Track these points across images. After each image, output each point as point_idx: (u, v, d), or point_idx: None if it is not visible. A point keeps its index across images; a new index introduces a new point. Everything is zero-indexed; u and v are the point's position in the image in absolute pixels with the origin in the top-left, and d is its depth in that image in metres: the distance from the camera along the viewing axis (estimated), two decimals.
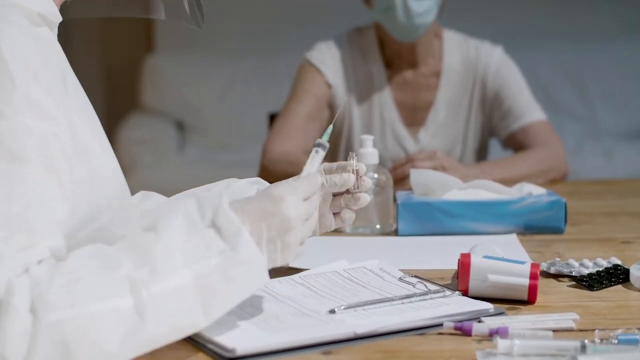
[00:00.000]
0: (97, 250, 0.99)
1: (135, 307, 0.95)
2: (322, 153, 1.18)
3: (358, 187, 1.24)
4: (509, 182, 1.75)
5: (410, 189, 1.69)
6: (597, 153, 3.91)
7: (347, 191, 1.25)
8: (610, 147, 3.97)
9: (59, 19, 1.15)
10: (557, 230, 1.61)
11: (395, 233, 1.63)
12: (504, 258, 1.24)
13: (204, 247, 1.00)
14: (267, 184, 1.30)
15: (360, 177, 1.24)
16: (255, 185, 1.33)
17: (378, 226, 1.64)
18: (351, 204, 1.26)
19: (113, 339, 0.93)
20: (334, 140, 2.30)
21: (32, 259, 0.94)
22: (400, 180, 1.85)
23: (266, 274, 1.04)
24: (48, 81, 1.02)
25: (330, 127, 1.21)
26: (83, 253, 0.97)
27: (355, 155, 1.25)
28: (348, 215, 1.27)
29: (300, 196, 1.09)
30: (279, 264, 1.07)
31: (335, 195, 1.26)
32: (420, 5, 2.10)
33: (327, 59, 2.25)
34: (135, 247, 0.99)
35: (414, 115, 2.28)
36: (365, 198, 1.26)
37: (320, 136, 1.20)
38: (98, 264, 0.96)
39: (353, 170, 1.23)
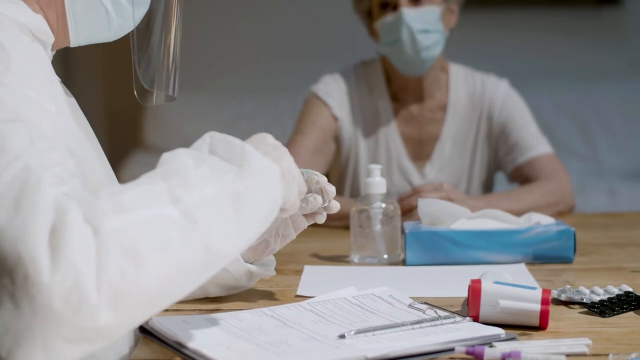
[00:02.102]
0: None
1: (182, 214, 0.94)
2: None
3: (327, 201, 1.27)
4: (516, 214, 1.74)
5: (418, 220, 1.68)
6: (600, 192, 3.90)
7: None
8: (614, 186, 3.97)
9: (51, 39, 1.17)
10: (567, 260, 1.60)
11: (403, 263, 1.62)
12: (514, 284, 1.23)
13: (217, 168, 1.01)
14: None
15: (323, 189, 1.27)
16: None
17: (385, 256, 1.63)
18: (325, 212, 1.29)
19: (174, 241, 0.92)
20: (340, 174, 2.30)
21: (67, 173, 0.93)
22: (408, 211, 1.85)
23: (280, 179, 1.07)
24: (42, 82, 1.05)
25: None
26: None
27: (315, 175, 1.26)
28: (321, 216, 1.29)
29: None
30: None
31: None
32: (427, 39, 2.12)
33: (334, 91, 2.26)
34: (156, 175, 0.99)
35: (420, 149, 2.28)
36: (336, 205, 1.28)
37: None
38: (134, 182, 0.96)
39: (317, 189, 1.26)
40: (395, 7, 2.15)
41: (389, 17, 2.15)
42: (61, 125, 1.06)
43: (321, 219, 1.30)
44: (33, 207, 0.88)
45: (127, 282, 0.88)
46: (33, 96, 1.02)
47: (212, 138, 1.07)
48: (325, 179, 1.27)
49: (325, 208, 1.28)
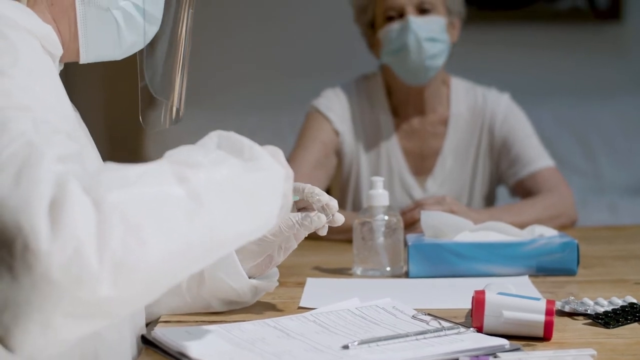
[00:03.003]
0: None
1: (188, 194, 0.93)
2: None
3: (330, 215, 1.28)
4: (518, 227, 1.74)
5: (421, 232, 1.68)
6: (601, 208, 3.89)
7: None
8: (615, 202, 3.96)
9: (60, 50, 1.17)
10: (570, 272, 1.59)
11: (406, 275, 1.62)
12: (518, 294, 1.23)
13: (225, 159, 1.01)
14: None
15: (326, 205, 1.27)
16: None
17: (388, 268, 1.63)
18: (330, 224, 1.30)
19: (179, 220, 0.91)
20: (342, 188, 2.30)
21: (69, 155, 0.92)
22: (410, 225, 1.84)
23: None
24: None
25: None
26: None
27: (316, 194, 1.27)
28: (323, 229, 1.30)
29: None
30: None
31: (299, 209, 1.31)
32: (433, 47, 2.13)
33: (335, 106, 2.26)
34: (161, 160, 0.98)
35: (422, 163, 2.28)
36: (340, 218, 1.29)
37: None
38: (139, 164, 0.95)
39: (319, 207, 1.27)
40: (401, 15, 2.15)
41: (395, 25, 2.15)
42: (66, 125, 1.06)
43: (323, 232, 1.30)
44: (34, 180, 0.86)
45: (129, 255, 0.86)
46: (38, 91, 1.02)
47: (219, 136, 1.07)
48: (326, 195, 1.28)
49: (329, 222, 1.29)
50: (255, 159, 1.04)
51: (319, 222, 1.27)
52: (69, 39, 1.20)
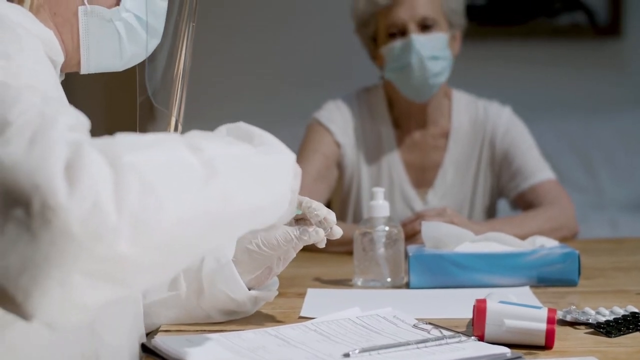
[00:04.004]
0: None
1: (202, 164, 0.92)
2: None
3: (328, 229, 1.29)
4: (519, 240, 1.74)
5: (422, 244, 1.68)
6: (602, 224, 3.88)
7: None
8: (616, 218, 3.95)
9: (61, 57, 1.17)
10: (571, 283, 1.59)
11: (407, 286, 1.61)
12: (520, 303, 1.22)
13: (235, 141, 1.01)
14: None
15: (324, 219, 1.28)
16: None
17: (389, 279, 1.62)
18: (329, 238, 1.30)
19: (193, 186, 0.90)
20: (343, 200, 2.30)
21: (79, 125, 0.91)
22: (411, 236, 1.84)
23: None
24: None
25: None
26: None
27: (310, 206, 1.27)
28: (322, 242, 1.30)
29: None
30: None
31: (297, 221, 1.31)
32: (436, 65, 2.13)
33: (336, 118, 2.26)
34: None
35: (422, 176, 2.28)
36: (338, 231, 1.29)
37: None
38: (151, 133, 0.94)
39: (317, 221, 1.28)
40: (403, 33, 2.15)
41: (397, 43, 2.15)
42: None
43: (322, 244, 1.30)
44: (48, 144, 0.85)
45: (147, 213, 0.85)
46: (43, 76, 1.02)
47: (227, 128, 1.07)
48: (324, 209, 1.28)
49: (327, 235, 1.29)
50: (266, 144, 1.04)
51: (317, 237, 1.28)
52: (72, 48, 1.21)
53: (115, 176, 0.84)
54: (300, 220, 1.31)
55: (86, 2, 1.20)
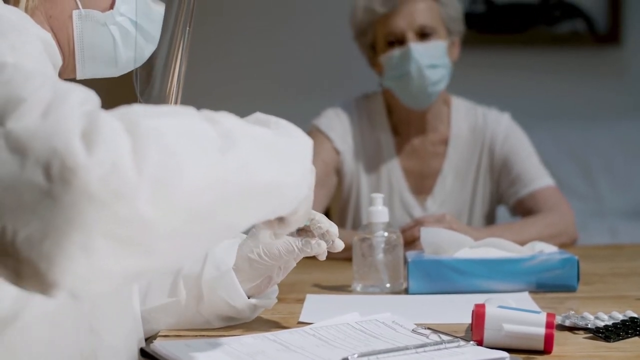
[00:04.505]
0: None
1: (219, 134, 0.90)
2: None
3: (330, 242, 1.29)
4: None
5: (421, 250, 1.68)
6: (602, 232, 3.88)
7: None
8: (616, 226, 3.95)
9: (59, 61, 1.17)
10: (570, 288, 1.59)
11: (406, 292, 1.61)
12: (518, 308, 1.22)
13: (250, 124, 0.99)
14: (243, 235, 1.34)
15: (327, 232, 1.28)
16: (233, 239, 1.35)
17: (388, 285, 1.62)
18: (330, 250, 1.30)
19: (212, 153, 0.88)
20: (342, 207, 2.30)
21: (90, 96, 0.90)
22: (410, 243, 1.84)
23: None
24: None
25: None
26: None
27: (313, 218, 1.27)
28: (323, 255, 1.30)
29: None
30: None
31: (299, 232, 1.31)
32: (435, 74, 2.13)
33: (336, 125, 2.26)
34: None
35: (422, 183, 2.28)
36: (340, 244, 1.29)
37: None
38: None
39: (320, 234, 1.28)
40: (402, 41, 2.16)
41: (396, 52, 2.16)
42: None
43: (322, 257, 1.31)
44: (63, 114, 0.83)
45: (167, 174, 0.83)
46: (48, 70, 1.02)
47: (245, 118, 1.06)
48: (327, 221, 1.28)
49: (329, 248, 1.29)
50: (283, 126, 1.02)
51: (319, 249, 1.28)
52: (68, 53, 1.19)
53: (133, 140, 0.83)
54: (301, 231, 1.31)
55: (80, 6, 1.19)
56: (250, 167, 0.91)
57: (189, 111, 0.92)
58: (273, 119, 1.04)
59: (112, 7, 1.22)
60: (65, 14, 1.19)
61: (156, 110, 0.88)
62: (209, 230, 0.90)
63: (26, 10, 1.15)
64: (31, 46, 1.02)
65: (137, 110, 0.87)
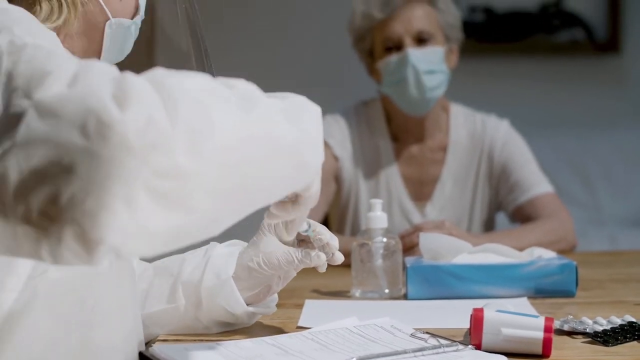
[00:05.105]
0: None
1: (238, 97, 0.92)
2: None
3: (330, 254, 1.30)
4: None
5: (420, 256, 1.68)
6: (601, 239, 3.88)
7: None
8: (615, 233, 3.95)
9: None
10: (569, 294, 1.59)
11: (405, 297, 1.62)
12: (517, 312, 1.23)
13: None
14: (244, 243, 1.35)
15: (327, 244, 1.29)
16: (233, 247, 1.35)
17: (387, 290, 1.62)
18: (330, 263, 1.31)
19: (237, 110, 0.89)
20: (341, 213, 2.30)
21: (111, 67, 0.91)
22: (409, 249, 1.84)
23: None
24: None
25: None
26: None
27: (310, 227, 1.28)
28: (323, 267, 1.31)
29: None
30: None
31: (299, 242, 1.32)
32: (432, 80, 2.14)
33: (334, 131, 2.27)
34: None
35: (421, 189, 2.29)
36: (340, 257, 1.30)
37: None
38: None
39: (320, 246, 1.29)
40: (399, 47, 2.16)
41: (393, 57, 2.16)
42: None
43: (322, 269, 1.31)
44: (91, 80, 0.84)
45: (200, 126, 0.84)
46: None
47: None
48: (327, 233, 1.29)
49: (329, 260, 1.30)
50: (290, 97, 1.04)
51: (319, 261, 1.29)
52: (89, 54, 1.23)
53: (161, 97, 0.84)
54: (302, 242, 1.31)
55: (111, 16, 1.23)
56: (273, 124, 0.94)
57: (205, 77, 0.92)
58: (279, 94, 1.05)
59: (136, 12, 1.27)
60: (99, 27, 1.23)
61: (177, 72, 0.90)
62: (241, 189, 0.91)
63: (64, 37, 1.19)
64: (48, 34, 1.04)
65: (160, 72, 0.88)
